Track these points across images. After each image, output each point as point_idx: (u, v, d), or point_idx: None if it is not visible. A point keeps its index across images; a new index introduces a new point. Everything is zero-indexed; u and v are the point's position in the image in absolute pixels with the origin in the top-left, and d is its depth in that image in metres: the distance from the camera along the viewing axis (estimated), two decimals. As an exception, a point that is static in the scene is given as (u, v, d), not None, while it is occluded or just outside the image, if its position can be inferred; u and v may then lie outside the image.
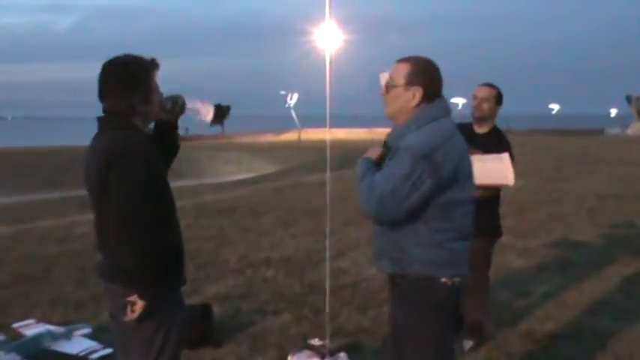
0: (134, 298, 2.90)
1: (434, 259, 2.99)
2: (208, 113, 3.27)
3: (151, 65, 3.00)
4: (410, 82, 3.04)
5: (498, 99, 5.00)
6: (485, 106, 4.95)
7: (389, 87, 3.10)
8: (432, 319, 3.04)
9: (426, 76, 3.06)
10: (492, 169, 4.70)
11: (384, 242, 3.11)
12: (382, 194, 2.86)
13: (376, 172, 2.99)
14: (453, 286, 3.02)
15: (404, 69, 3.06)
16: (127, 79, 2.93)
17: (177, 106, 3.15)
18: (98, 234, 3.04)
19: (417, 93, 3.03)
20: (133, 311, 2.91)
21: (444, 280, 3.00)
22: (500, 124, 5.40)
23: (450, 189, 2.94)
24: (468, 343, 5.04)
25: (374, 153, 3.17)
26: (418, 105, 3.04)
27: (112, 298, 3.06)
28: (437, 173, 2.87)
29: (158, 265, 2.92)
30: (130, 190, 2.80)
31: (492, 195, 4.89)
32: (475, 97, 4.99)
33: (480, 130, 4.98)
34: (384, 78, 3.20)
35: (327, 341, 5.02)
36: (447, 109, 3.12)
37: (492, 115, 5.01)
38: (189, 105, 3.19)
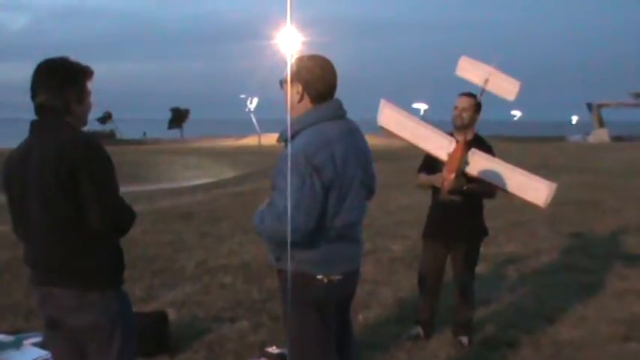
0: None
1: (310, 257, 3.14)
2: None
3: (87, 70, 2.99)
4: (293, 78, 3.09)
5: (477, 107, 5.20)
6: (466, 115, 5.16)
7: (284, 82, 3.16)
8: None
9: (308, 74, 3.10)
10: (533, 187, 4.95)
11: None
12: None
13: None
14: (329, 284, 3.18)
15: (293, 66, 3.12)
16: (63, 76, 2.92)
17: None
18: (41, 239, 2.97)
19: (299, 90, 3.11)
20: None
21: (319, 277, 3.17)
22: (484, 130, 5.59)
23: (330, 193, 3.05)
24: (464, 339, 5.34)
25: None
26: (301, 102, 3.12)
27: (58, 303, 2.99)
28: (320, 177, 2.98)
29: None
30: (106, 187, 2.88)
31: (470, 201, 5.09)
32: (456, 108, 5.19)
33: (460, 138, 5.06)
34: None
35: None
36: (335, 112, 3.16)
37: (472, 123, 5.22)
38: None
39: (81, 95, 2.96)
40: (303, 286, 3.16)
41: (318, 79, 3.13)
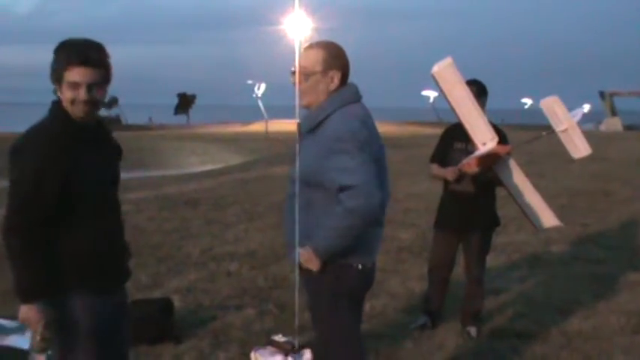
0: None
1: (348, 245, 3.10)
2: None
3: (68, 59, 2.78)
4: (328, 66, 3.11)
5: (482, 93, 5.12)
6: None
7: (307, 75, 3.12)
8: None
9: (342, 60, 3.17)
10: (541, 213, 5.14)
11: (298, 234, 3.14)
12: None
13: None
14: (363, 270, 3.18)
15: (318, 55, 3.12)
16: (54, 55, 2.84)
17: None
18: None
19: (335, 77, 3.13)
20: None
21: (356, 265, 3.16)
22: (496, 119, 5.54)
23: None
24: (473, 329, 5.30)
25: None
26: (326, 88, 3.14)
27: None
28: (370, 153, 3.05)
29: None
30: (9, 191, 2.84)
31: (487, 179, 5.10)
32: None
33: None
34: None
35: (296, 339, 4.89)
36: (357, 95, 3.20)
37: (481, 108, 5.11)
38: None
39: (60, 83, 2.81)
40: (339, 276, 3.14)
41: (348, 64, 3.20)
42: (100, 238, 2.94)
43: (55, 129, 2.83)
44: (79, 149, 2.84)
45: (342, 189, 2.96)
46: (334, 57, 3.14)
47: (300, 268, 3.20)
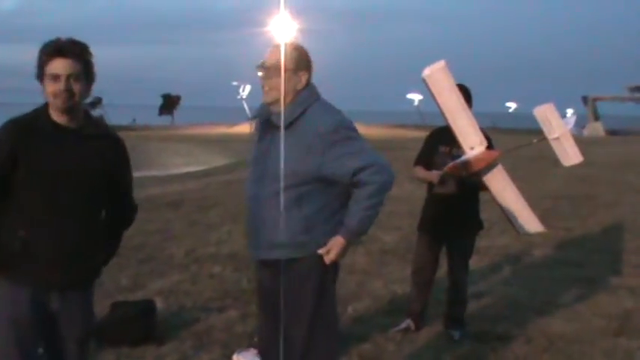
0: None
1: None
2: None
3: (46, 52, 2.88)
4: (298, 66, 3.22)
5: (467, 99, 5.07)
6: None
7: (279, 71, 3.17)
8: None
9: (309, 61, 3.30)
10: (525, 218, 5.21)
11: (286, 230, 3.18)
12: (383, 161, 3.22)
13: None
14: None
15: (292, 53, 3.21)
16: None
17: None
18: None
19: (303, 77, 3.25)
20: None
21: None
22: (484, 122, 5.55)
23: None
24: (455, 332, 5.30)
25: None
26: (302, 89, 3.26)
27: None
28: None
29: None
30: None
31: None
32: None
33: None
34: None
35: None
36: (318, 93, 3.33)
37: None
38: None
39: (43, 80, 2.89)
40: (326, 267, 3.26)
41: (313, 64, 3.33)
42: (34, 231, 2.91)
43: (20, 118, 2.94)
44: (35, 140, 2.88)
45: (360, 170, 3.12)
46: (304, 58, 3.27)
47: (284, 269, 3.22)
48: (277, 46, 3.21)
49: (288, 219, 3.16)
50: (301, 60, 3.25)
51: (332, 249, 3.20)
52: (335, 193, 3.23)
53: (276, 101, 3.20)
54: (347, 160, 3.11)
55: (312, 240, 3.21)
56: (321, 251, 3.20)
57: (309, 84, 3.29)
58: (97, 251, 3.14)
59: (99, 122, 3.23)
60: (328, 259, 3.21)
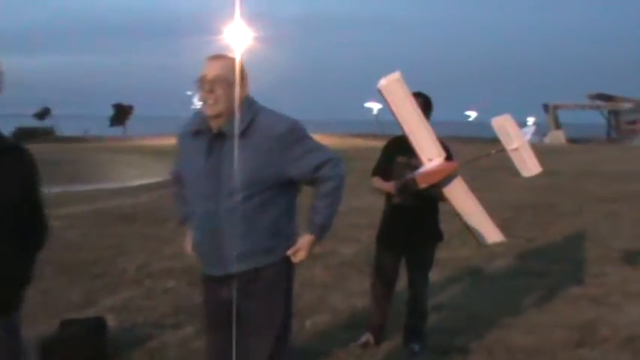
0: None
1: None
2: None
3: None
4: (242, 76, 3.25)
5: (427, 107, 5.07)
6: None
7: (222, 83, 3.16)
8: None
9: (246, 72, 3.32)
10: (485, 229, 5.17)
11: (253, 239, 3.20)
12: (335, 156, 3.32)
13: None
14: None
15: (233, 64, 3.23)
16: None
17: None
18: None
19: (246, 87, 3.28)
20: None
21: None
22: (446, 131, 5.53)
23: None
24: (415, 346, 5.22)
25: None
26: (246, 96, 3.29)
27: None
28: None
29: None
30: None
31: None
32: None
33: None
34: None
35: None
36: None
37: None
38: None
39: None
40: (289, 268, 3.35)
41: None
42: None
43: None
44: None
45: (322, 165, 3.23)
46: (243, 69, 3.29)
47: (253, 278, 3.23)
48: (214, 59, 3.24)
49: (255, 227, 3.18)
50: (242, 70, 3.29)
51: (301, 248, 3.27)
52: (294, 192, 3.34)
53: (222, 113, 3.19)
54: (307, 158, 3.21)
55: (279, 244, 3.26)
56: (289, 252, 3.26)
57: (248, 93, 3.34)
58: (9, 275, 2.81)
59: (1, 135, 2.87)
60: (298, 258, 3.28)
